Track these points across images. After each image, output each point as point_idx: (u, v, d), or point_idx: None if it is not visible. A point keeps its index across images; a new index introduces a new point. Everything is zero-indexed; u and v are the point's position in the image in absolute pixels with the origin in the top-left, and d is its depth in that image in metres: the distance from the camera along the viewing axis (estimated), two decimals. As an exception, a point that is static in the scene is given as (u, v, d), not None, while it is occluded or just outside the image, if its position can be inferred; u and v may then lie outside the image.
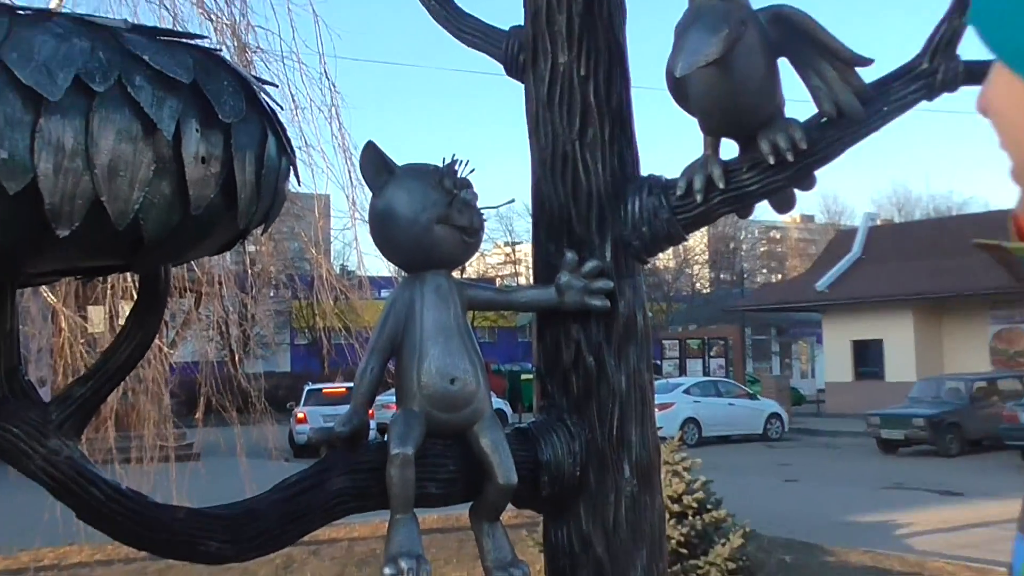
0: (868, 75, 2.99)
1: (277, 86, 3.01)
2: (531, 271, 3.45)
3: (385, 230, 2.96)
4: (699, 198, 3.04)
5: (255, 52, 11.12)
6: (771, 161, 2.94)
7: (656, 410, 3.32)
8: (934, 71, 2.93)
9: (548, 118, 3.21)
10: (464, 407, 2.91)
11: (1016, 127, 0.95)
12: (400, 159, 3.01)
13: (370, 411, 2.91)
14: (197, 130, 2.19)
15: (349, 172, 10.30)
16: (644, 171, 3.28)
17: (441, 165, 2.94)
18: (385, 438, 2.84)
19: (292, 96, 10.40)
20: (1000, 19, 0.92)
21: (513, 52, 3.36)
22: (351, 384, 3.12)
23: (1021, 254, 1.58)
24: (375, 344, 2.95)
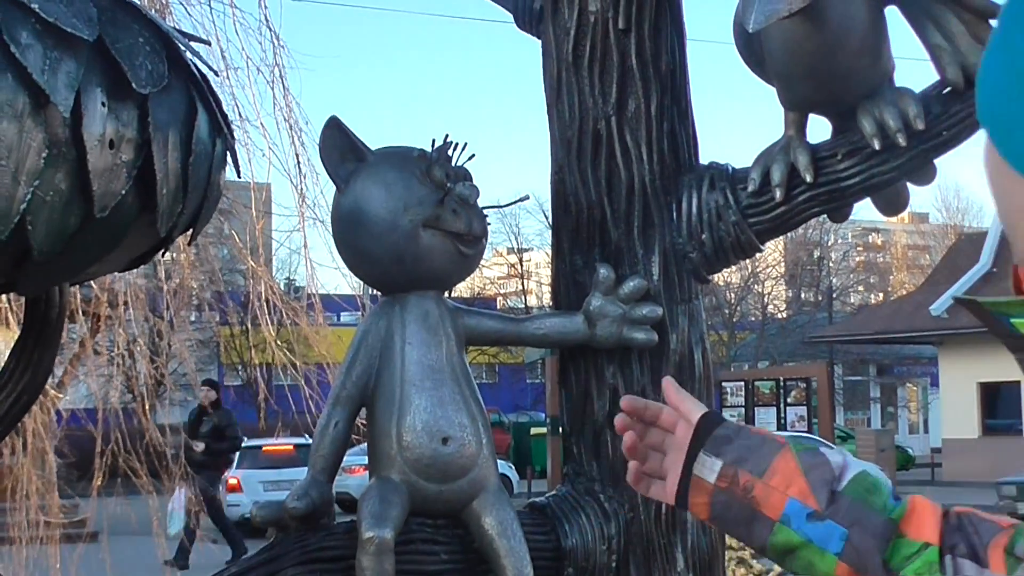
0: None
1: (208, 43, 3.03)
2: (546, 290, 3.45)
3: (353, 237, 2.96)
4: (779, 194, 3.05)
5: (172, -9, 11.13)
6: (876, 145, 2.94)
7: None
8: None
9: (574, 85, 3.22)
10: (461, 476, 2.91)
11: (1006, 213, 1.33)
12: (373, 141, 3.02)
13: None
14: (103, 103, 2.20)
15: (298, 155, 10.28)
16: (704, 157, 3.28)
17: (429, 149, 2.94)
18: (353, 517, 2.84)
19: (222, 51, 10.41)
20: (1006, 125, 1.30)
21: (527, -4, 3.37)
22: (299, 440, 3.14)
23: (997, 309, 1.68)
24: (340, 391, 2.95)
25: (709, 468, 1.86)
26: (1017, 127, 1.29)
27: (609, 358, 3.13)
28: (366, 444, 3.01)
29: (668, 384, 1.98)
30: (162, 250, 2.54)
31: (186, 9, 10.39)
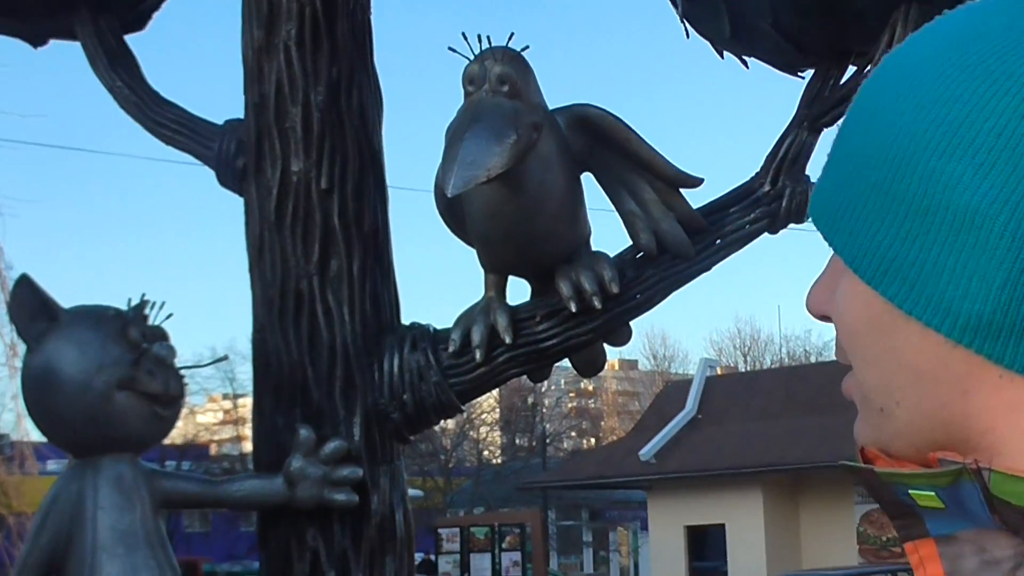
0: (698, 197, 3.10)
1: None
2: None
3: (45, 398, 2.87)
4: (479, 355, 3.07)
5: None
6: (573, 308, 2.99)
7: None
8: (779, 195, 3.06)
9: (276, 244, 3.20)
10: (153, 646, 2.81)
11: (867, 347, 1.00)
12: (75, 297, 2.95)
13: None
14: None
15: (4, 303, 10.01)
16: (407, 317, 3.29)
17: (125, 308, 2.89)
18: None
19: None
20: (837, 219, 0.98)
21: (229, 154, 3.34)
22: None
23: (894, 480, 1.55)
24: (27, 558, 2.83)
25: None
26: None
27: (310, 519, 3.08)
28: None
29: None
30: None
31: None
